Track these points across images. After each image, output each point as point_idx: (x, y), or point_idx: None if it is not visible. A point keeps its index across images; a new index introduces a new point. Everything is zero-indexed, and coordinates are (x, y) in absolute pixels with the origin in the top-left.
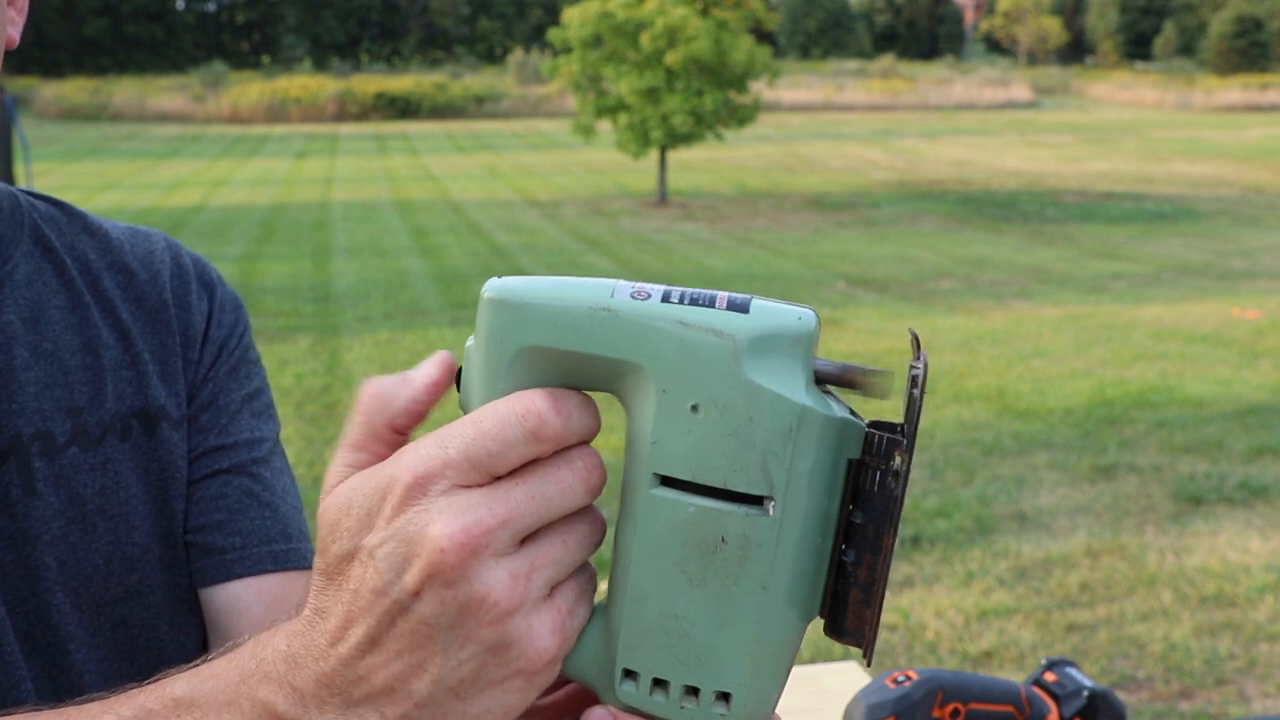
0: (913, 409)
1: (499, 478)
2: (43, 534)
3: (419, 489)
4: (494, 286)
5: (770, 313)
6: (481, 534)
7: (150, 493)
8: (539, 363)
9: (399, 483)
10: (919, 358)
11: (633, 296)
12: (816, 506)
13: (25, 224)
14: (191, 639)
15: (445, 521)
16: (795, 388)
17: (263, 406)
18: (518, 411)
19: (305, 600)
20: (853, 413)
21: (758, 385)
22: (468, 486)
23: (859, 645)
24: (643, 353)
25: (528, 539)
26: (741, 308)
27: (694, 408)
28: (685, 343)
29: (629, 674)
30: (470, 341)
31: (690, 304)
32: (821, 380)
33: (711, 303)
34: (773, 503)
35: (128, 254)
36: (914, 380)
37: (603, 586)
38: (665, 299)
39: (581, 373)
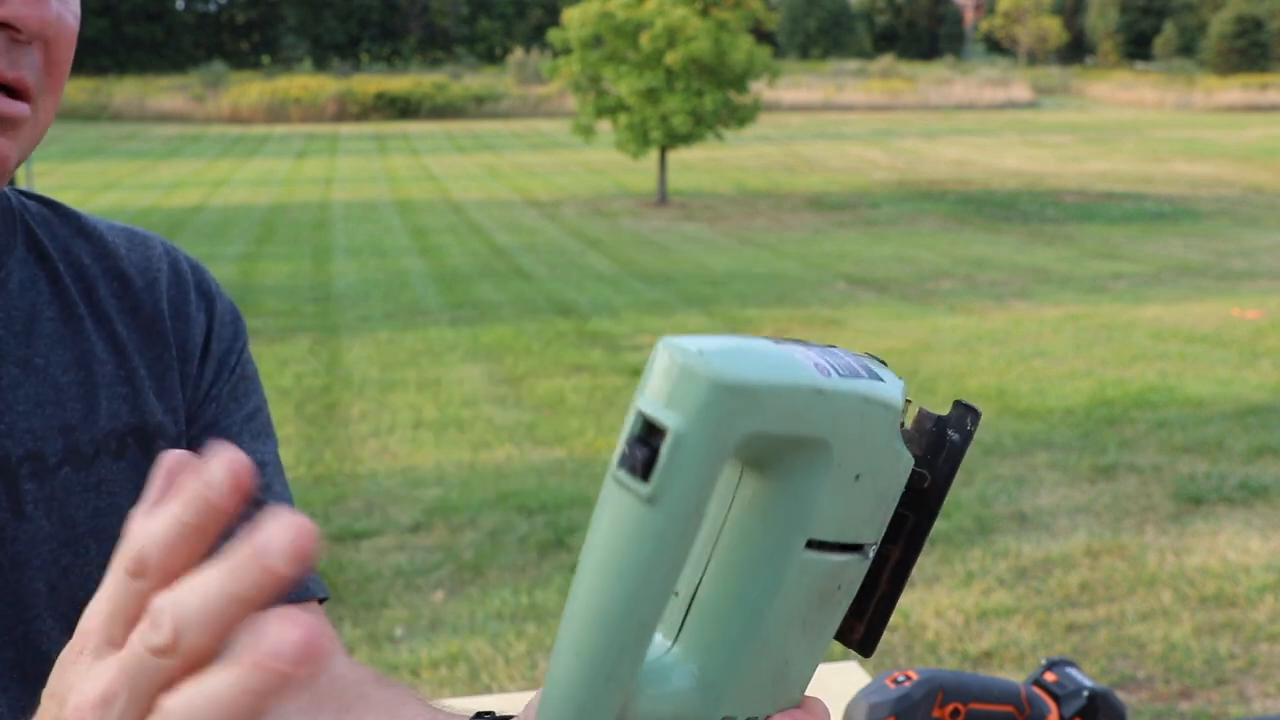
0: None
1: None
2: (32, 558)
3: (69, 661)
4: (712, 366)
5: (893, 381)
6: None
7: None
8: (747, 446)
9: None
10: (964, 422)
11: (818, 370)
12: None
13: (19, 227)
14: None
15: None
16: (905, 447)
17: (262, 425)
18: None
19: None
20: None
21: (902, 452)
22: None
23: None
24: (834, 430)
25: None
26: (878, 377)
27: (857, 477)
28: (866, 418)
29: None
30: (652, 410)
31: (855, 377)
32: None
33: (862, 373)
34: (872, 547)
35: (123, 259)
36: (948, 441)
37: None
38: (840, 374)
39: (766, 454)
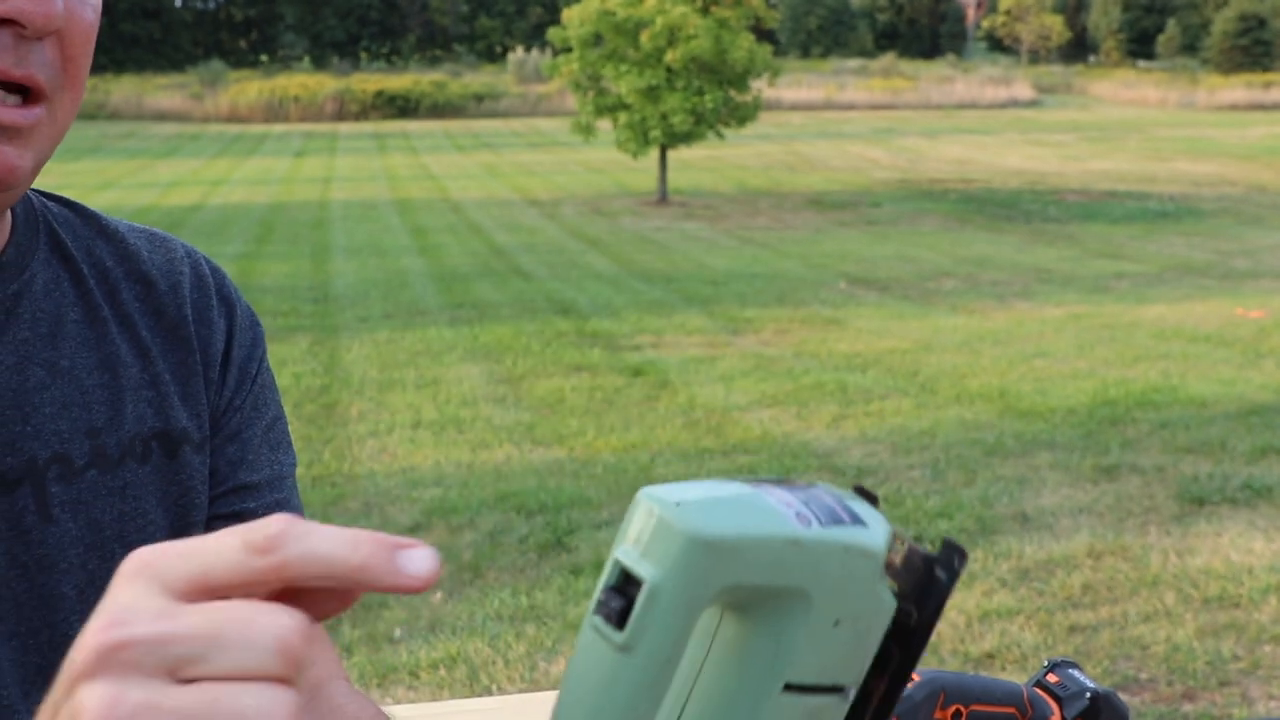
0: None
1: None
2: (59, 562)
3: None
4: (689, 520)
5: (877, 523)
6: None
7: (169, 518)
8: (724, 597)
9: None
10: (948, 563)
11: (797, 519)
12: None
13: (41, 228)
14: None
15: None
16: (889, 590)
17: (280, 436)
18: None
19: None
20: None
21: (884, 596)
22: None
23: None
24: (813, 579)
25: None
26: (861, 521)
27: (836, 623)
28: (846, 566)
29: None
30: (629, 561)
31: (836, 524)
32: None
33: (844, 518)
34: (853, 688)
35: (145, 262)
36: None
37: None
38: (821, 522)
39: (743, 602)
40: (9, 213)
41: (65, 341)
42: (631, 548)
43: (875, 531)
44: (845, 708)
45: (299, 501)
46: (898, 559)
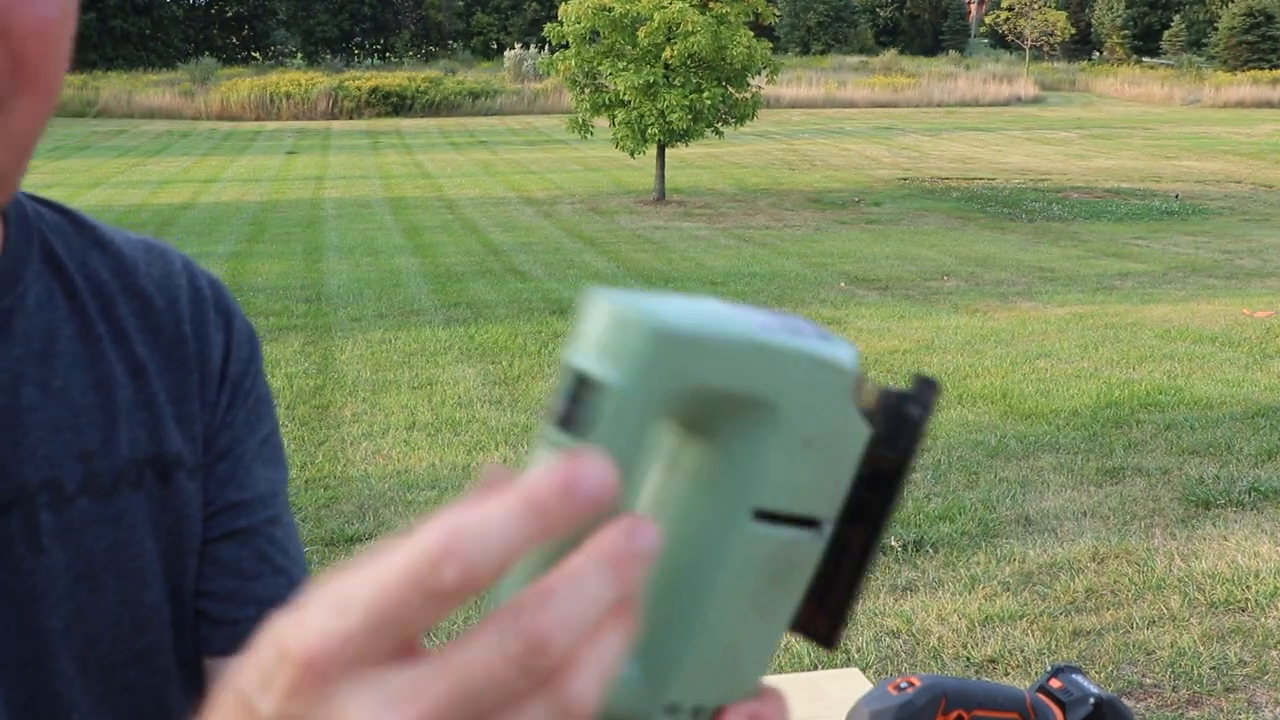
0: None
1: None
2: (48, 593)
3: (315, 676)
4: (651, 314)
5: (846, 347)
6: None
7: (162, 547)
8: (686, 403)
9: (289, 659)
10: (919, 395)
11: (762, 327)
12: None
13: (34, 237)
14: (194, 703)
15: None
16: (861, 416)
17: (273, 452)
18: (429, 560)
19: None
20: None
21: (855, 418)
22: (376, 663)
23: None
24: (780, 389)
25: None
26: (829, 339)
27: (806, 441)
28: (815, 379)
29: (671, 708)
30: (585, 363)
31: (801, 337)
32: None
33: (811, 334)
34: (828, 524)
35: (143, 276)
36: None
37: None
38: (790, 333)
39: (707, 414)
40: (0, 219)
41: (58, 360)
42: (586, 349)
43: (843, 351)
44: (820, 546)
45: (290, 517)
46: (870, 400)
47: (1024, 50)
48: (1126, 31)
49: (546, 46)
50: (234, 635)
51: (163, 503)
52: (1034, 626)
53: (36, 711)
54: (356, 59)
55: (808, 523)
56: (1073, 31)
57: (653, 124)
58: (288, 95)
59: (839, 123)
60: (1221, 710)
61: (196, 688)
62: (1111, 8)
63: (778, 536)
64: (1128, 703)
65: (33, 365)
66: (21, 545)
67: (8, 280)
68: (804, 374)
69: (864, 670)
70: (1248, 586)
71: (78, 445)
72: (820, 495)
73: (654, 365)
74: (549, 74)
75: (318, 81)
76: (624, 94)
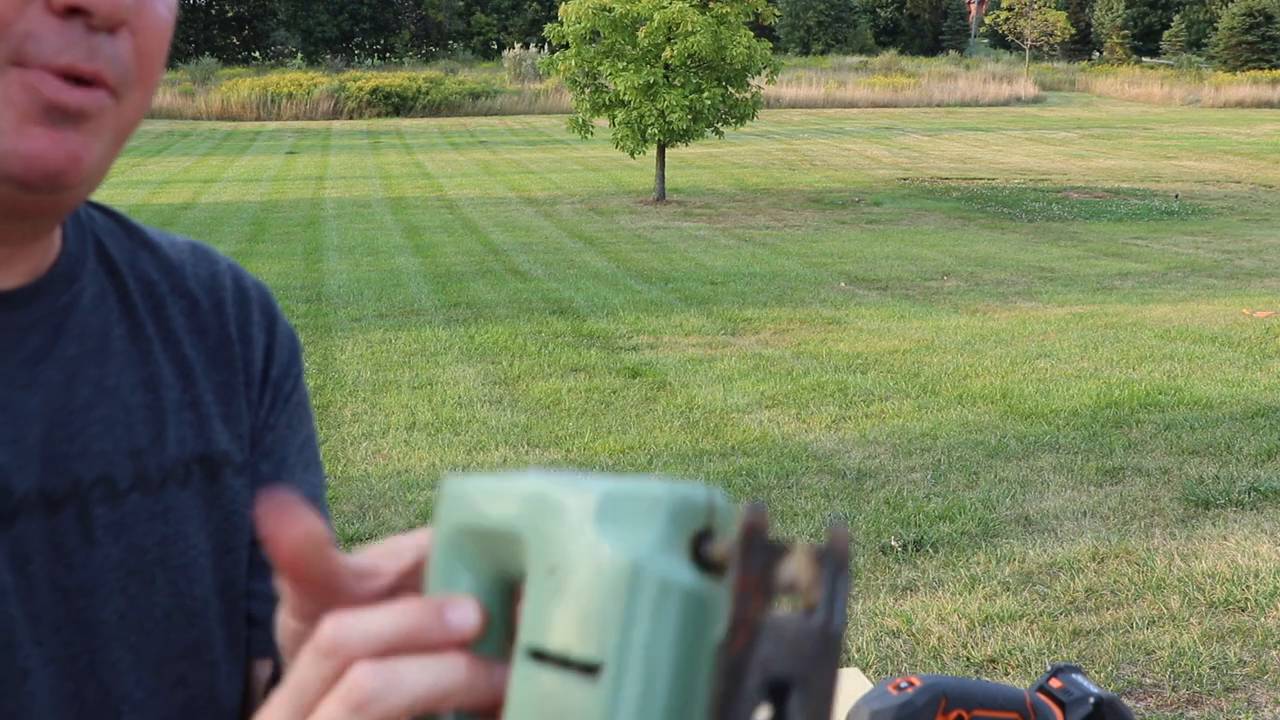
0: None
1: None
2: (99, 587)
3: None
4: (447, 480)
5: (640, 481)
6: None
7: (210, 543)
8: (469, 546)
9: None
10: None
11: (525, 479)
12: (663, 685)
13: (88, 238)
14: (241, 696)
15: None
16: (638, 548)
17: (311, 455)
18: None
19: None
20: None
21: (598, 542)
22: None
23: None
24: (523, 521)
25: None
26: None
27: (550, 570)
28: (548, 504)
29: None
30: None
31: (555, 478)
32: (714, 565)
33: (586, 477)
34: (605, 672)
35: (189, 277)
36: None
37: None
38: (546, 478)
39: (489, 553)
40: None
41: (111, 359)
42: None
43: (609, 482)
44: (602, 696)
45: (328, 522)
46: (721, 553)
47: (1024, 50)
48: (1126, 31)
49: (546, 46)
50: (273, 638)
51: (211, 500)
52: (1034, 626)
53: (85, 705)
54: (356, 59)
55: (582, 668)
56: (1073, 31)
57: (653, 124)
58: (288, 95)
59: (839, 123)
60: (1221, 710)
61: (241, 680)
62: (1111, 8)
63: (547, 678)
64: (1128, 703)
65: (88, 364)
66: (75, 539)
67: (66, 279)
68: (541, 504)
69: (864, 670)
70: (1247, 586)
71: (129, 443)
72: (581, 635)
73: (439, 512)
74: (549, 74)
75: (318, 82)
76: (624, 94)
